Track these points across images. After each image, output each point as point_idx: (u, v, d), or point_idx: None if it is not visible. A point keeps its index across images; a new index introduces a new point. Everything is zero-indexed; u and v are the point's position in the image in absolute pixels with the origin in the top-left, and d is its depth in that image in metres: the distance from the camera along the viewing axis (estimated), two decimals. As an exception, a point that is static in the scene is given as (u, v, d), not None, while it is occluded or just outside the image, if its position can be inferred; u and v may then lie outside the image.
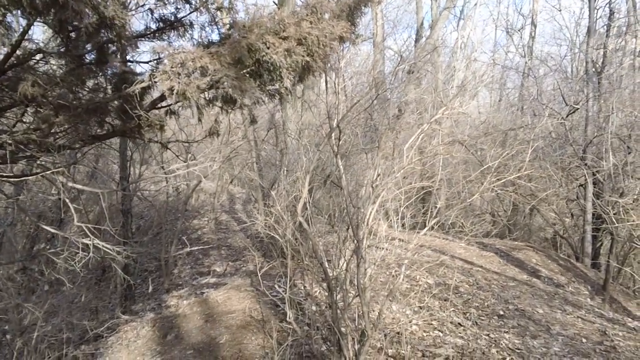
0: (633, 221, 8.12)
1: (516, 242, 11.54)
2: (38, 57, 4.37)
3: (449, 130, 13.98)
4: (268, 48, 3.91)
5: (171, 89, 3.57)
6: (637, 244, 8.69)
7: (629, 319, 7.62)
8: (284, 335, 4.94)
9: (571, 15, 46.79)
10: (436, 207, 5.74)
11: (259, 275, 5.42)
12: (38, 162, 4.49)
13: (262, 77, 4.23)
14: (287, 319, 4.79)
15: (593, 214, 10.84)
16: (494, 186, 5.76)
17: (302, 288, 6.36)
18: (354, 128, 8.09)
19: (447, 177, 11.63)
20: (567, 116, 12.26)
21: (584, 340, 5.82)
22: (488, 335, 5.65)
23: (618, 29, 13.70)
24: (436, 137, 11.08)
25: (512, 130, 14.13)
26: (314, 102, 9.53)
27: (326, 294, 5.14)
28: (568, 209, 13.15)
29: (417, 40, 18.08)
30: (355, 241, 4.62)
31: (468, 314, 6.25)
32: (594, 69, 12.17)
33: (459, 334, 5.63)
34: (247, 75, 4.11)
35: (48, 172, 4.18)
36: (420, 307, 6.19)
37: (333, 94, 5.70)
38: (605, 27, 13.06)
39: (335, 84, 5.45)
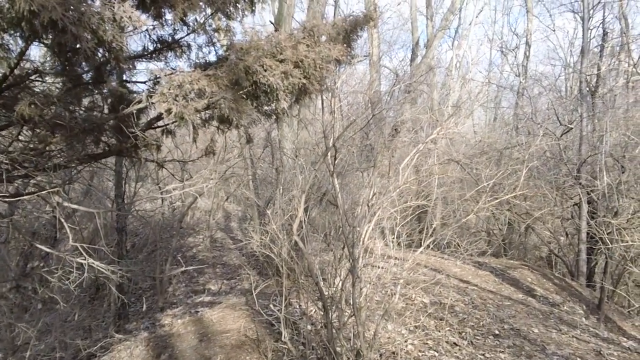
0: (626, 241, 8.14)
1: (511, 261, 11.55)
2: (34, 76, 4.40)
3: (445, 150, 14.08)
4: (265, 71, 3.96)
5: (169, 111, 3.60)
6: (630, 266, 8.72)
7: (624, 339, 7.61)
8: (279, 355, 4.92)
9: (565, 35, 47.31)
10: (432, 226, 5.77)
11: (254, 294, 5.41)
12: (33, 181, 4.50)
13: (259, 98, 4.27)
14: (282, 338, 4.77)
15: (588, 233, 10.86)
16: (489, 205, 5.79)
17: (298, 307, 6.34)
18: (349, 147, 8.13)
19: (442, 196, 11.69)
20: (561, 135, 12.37)
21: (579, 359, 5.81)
22: (484, 355, 5.63)
23: (612, 49, 13.88)
24: (432, 156, 11.18)
25: (507, 149, 14.22)
26: (310, 121, 9.60)
27: (321, 313, 5.13)
28: (563, 228, 13.18)
29: (412, 60, 18.24)
30: (351, 260, 4.63)
31: (464, 333, 6.23)
32: (587, 89, 12.30)
33: (455, 354, 5.61)
34: (244, 96, 4.15)
35: (44, 192, 4.18)
36: (416, 327, 6.17)
37: (329, 113, 5.75)
38: (599, 47, 13.22)
39: (331, 103, 5.51)
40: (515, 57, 22.77)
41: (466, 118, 19.48)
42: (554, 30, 20.13)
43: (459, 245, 11.39)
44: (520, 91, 19.53)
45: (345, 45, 4.73)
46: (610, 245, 8.75)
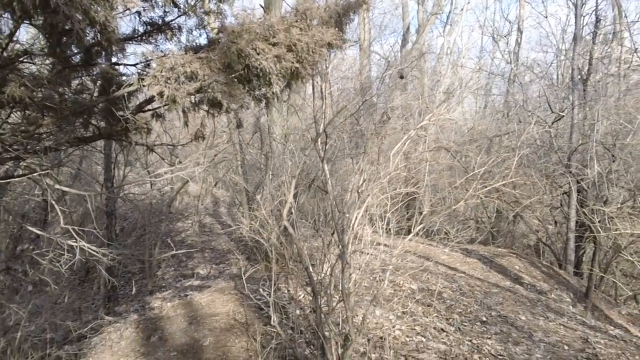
0: (617, 230, 8.23)
1: (499, 249, 11.65)
2: (24, 58, 4.34)
3: (435, 137, 14.08)
4: (258, 54, 3.92)
5: (161, 94, 3.57)
6: (623, 254, 8.81)
7: (611, 327, 7.72)
8: (268, 339, 4.95)
9: (557, 22, 47.28)
10: (421, 213, 5.80)
11: (244, 278, 5.42)
12: (24, 163, 4.46)
13: (251, 82, 4.24)
14: (271, 322, 4.80)
15: (576, 222, 10.96)
16: (479, 193, 5.82)
17: (287, 292, 6.37)
18: (340, 133, 8.12)
19: (432, 183, 11.72)
20: (552, 123, 12.40)
21: (566, 347, 5.89)
22: (471, 341, 5.70)
23: (604, 36, 13.87)
24: (422, 143, 11.19)
25: (497, 137, 14.26)
26: (300, 106, 9.56)
27: (310, 298, 5.16)
28: (552, 216, 13.30)
29: (403, 46, 18.20)
30: (340, 246, 4.65)
31: (451, 319, 6.30)
32: (579, 77, 12.31)
33: (442, 340, 5.67)
34: (236, 80, 4.12)
35: (35, 174, 4.15)
36: (404, 313, 6.23)
37: (319, 98, 5.73)
38: (591, 34, 13.21)
39: (322, 88, 5.49)
40: (507, 43, 22.71)
41: (457, 105, 19.50)
42: (546, 17, 20.04)
43: (447, 232, 11.50)
44: (511, 78, 19.54)
45: (337, 29, 4.71)
46: (601, 234, 8.82)
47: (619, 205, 9.89)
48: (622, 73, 13.92)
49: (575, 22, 12.85)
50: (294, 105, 9.45)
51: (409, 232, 5.02)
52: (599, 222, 9.16)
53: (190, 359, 5.25)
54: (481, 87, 23.49)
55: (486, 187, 5.99)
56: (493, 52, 24.50)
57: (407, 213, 11.10)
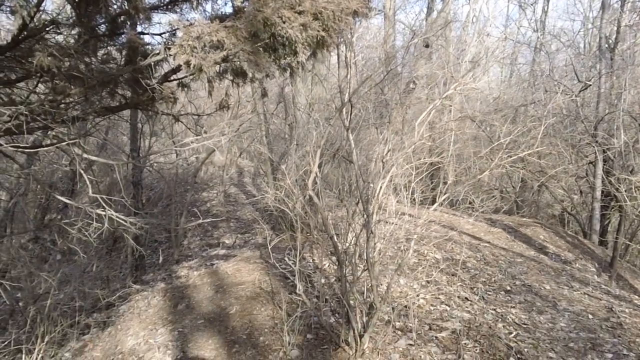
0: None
1: (524, 219, 11.56)
2: (50, 28, 4.36)
3: (460, 106, 13.89)
4: (284, 22, 3.88)
5: (188, 63, 3.57)
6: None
7: (636, 297, 7.66)
8: (293, 307, 5.03)
9: (586, -11, 45.72)
10: (445, 183, 5.76)
11: (269, 247, 5.49)
12: (52, 133, 4.52)
13: (277, 51, 4.20)
14: (297, 291, 4.86)
15: (602, 192, 10.81)
16: (504, 163, 5.76)
17: (311, 261, 6.43)
18: (364, 103, 8.05)
19: (457, 153, 11.61)
20: (579, 93, 12.13)
21: (590, 316, 5.87)
22: (495, 310, 5.71)
23: (632, 4, 13.38)
24: (447, 113, 11.05)
25: (523, 107, 14.00)
26: (325, 76, 9.48)
27: (335, 267, 5.21)
28: (577, 186, 13.11)
29: (428, 14, 17.79)
30: (365, 215, 4.66)
31: (475, 288, 6.31)
32: (607, 45, 11.96)
33: (466, 308, 5.69)
34: (262, 49, 4.09)
35: (63, 143, 4.21)
36: (428, 282, 6.26)
37: (344, 68, 5.67)
38: (619, 1, 12.77)
39: (346, 57, 5.42)
40: (534, 12, 22.21)
41: (482, 74, 19.14)
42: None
43: (472, 202, 11.43)
44: (537, 47, 19.06)
45: (363, -5, 4.62)
46: (627, 203, 8.68)
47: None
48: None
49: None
50: (318, 75, 9.38)
51: (434, 202, 5.00)
52: (625, 191, 9.01)
53: (216, 326, 5.37)
54: (507, 56, 22.97)
55: (511, 157, 5.91)
56: (519, 20, 23.87)
57: (432, 183, 11.05)
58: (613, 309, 6.23)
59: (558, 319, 5.68)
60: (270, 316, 5.34)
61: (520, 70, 22.02)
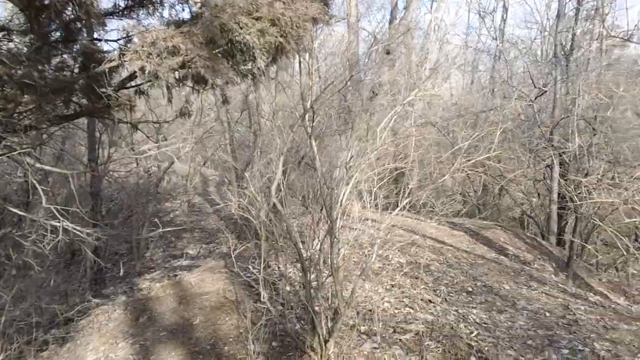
0: (602, 201, 8.34)
1: (485, 222, 11.79)
2: (1, 35, 4.23)
3: (422, 112, 14.10)
4: (241, 28, 3.87)
5: (142, 69, 3.51)
6: (597, 222, 8.95)
7: (591, 294, 7.89)
8: (258, 315, 4.98)
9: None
10: (407, 188, 5.82)
11: (233, 256, 5.43)
12: (4, 143, 4.38)
13: (235, 57, 4.19)
14: (262, 299, 4.82)
15: (559, 194, 11.12)
16: (464, 167, 5.87)
17: (277, 269, 6.39)
18: (327, 109, 8.09)
19: (419, 158, 11.78)
20: (535, 98, 12.48)
21: (547, 314, 6.01)
22: (457, 310, 5.79)
23: (587, 12, 13.87)
24: (409, 118, 11.19)
25: (483, 113, 14.31)
26: (288, 83, 9.49)
27: (300, 274, 5.19)
28: (535, 189, 13.47)
29: (391, 22, 18.02)
30: (329, 222, 4.66)
31: (438, 291, 6.39)
32: (562, 52, 12.36)
33: (429, 310, 5.76)
34: (220, 55, 4.07)
35: (15, 153, 4.08)
36: (392, 285, 6.30)
37: (307, 75, 5.69)
38: (574, 10, 13.23)
39: (308, 65, 5.44)
40: (493, 20, 22.69)
41: (444, 81, 19.48)
42: (530, -7, 20.08)
43: (434, 206, 11.58)
44: (497, 54, 19.57)
45: (322, 3, 4.65)
46: (580, 202, 8.92)
47: (599, 177, 10.03)
48: (603, 48, 13.94)
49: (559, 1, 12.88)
50: (281, 83, 9.38)
51: (397, 206, 5.04)
52: (578, 193, 9.29)
53: (180, 337, 5.28)
54: (468, 63, 23.50)
55: (471, 161, 6.02)
56: (479, 28, 24.48)
57: (395, 188, 11.16)
58: (569, 307, 6.39)
59: (517, 317, 5.80)
60: (235, 325, 5.28)
61: (480, 77, 22.53)
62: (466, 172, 10.84)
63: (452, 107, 16.40)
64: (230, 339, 5.04)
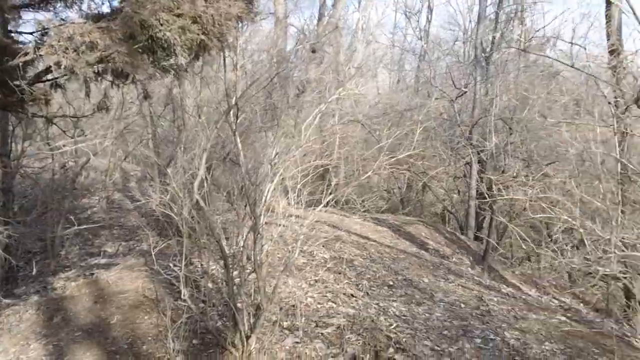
0: (511, 197, 8.84)
1: (408, 217, 12.20)
2: None
3: (349, 110, 14.36)
4: (162, 25, 3.82)
5: (58, 64, 3.40)
6: (500, 218, 9.46)
7: (504, 286, 8.39)
8: (179, 313, 4.93)
9: (465, 1, 49.07)
10: (332, 184, 5.96)
11: (153, 253, 5.34)
12: None
13: (156, 53, 4.13)
14: (182, 296, 4.79)
15: (477, 191, 11.66)
16: (387, 164, 6.08)
17: (199, 266, 6.35)
18: (253, 106, 8.08)
19: (345, 155, 12.01)
20: (456, 98, 13.00)
21: (462, 305, 6.35)
22: (378, 304, 6.00)
23: (507, 15, 14.53)
24: (335, 116, 11.37)
25: (407, 111, 14.73)
26: (213, 78, 9.38)
27: (223, 271, 5.19)
28: (455, 185, 14.07)
29: (319, 19, 18.16)
30: (253, 218, 4.70)
31: (360, 285, 6.57)
32: (482, 54, 12.93)
33: (351, 304, 5.92)
34: (140, 51, 3.99)
35: None
36: (316, 281, 6.43)
37: (232, 71, 5.67)
38: (494, 13, 13.84)
39: (233, 61, 5.43)
40: (418, 21, 23.32)
41: (370, 79, 19.92)
42: (454, -4, 20.84)
43: (358, 202, 11.84)
44: (421, 54, 20.20)
45: (246, 1, 4.66)
46: (493, 199, 9.38)
47: (514, 174, 10.64)
48: (521, 52, 14.66)
49: (480, 2, 13.46)
50: (206, 78, 9.26)
51: (322, 203, 5.17)
52: (498, 191, 9.80)
53: (96, 337, 5.15)
54: (394, 62, 24.11)
55: (393, 158, 6.24)
56: (406, 28, 25.09)
57: (321, 184, 11.32)
58: (483, 298, 6.78)
59: (434, 309, 6.08)
60: (155, 324, 5.21)
61: (406, 76, 23.15)
62: (389, 169, 11.17)
63: (379, 106, 16.77)
64: (149, 338, 4.98)
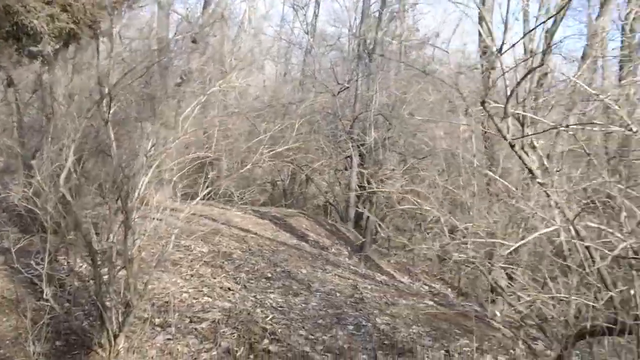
0: (382, 190, 9.30)
1: (290, 210, 12.41)
2: None
3: (234, 102, 14.27)
4: (28, 12, 3.60)
5: None
6: (367, 212, 9.95)
7: (379, 274, 8.87)
8: (41, 314, 4.66)
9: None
10: (210, 176, 5.94)
11: (13, 251, 4.99)
12: None
13: (21, 40, 3.89)
14: (45, 296, 4.54)
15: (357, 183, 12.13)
16: (268, 157, 6.17)
17: (66, 264, 6.02)
18: (129, 96, 7.77)
19: (228, 147, 11.93)
20: (337, 93, 13.39)
21: (338, 294, 6.65)
22: (255, 296, 6.10)
23: (390, 14, 15.13)
24: (217, 108, 11.25)
25: (292, 104, 14.89)
26: (86, 65, 8.87)
27: (90, 268, 5.00)
28: (337, 178, 14.51)
29: (204, 7, 17.75)
30: (124, 212, 4.58)
31: (238, 278, 6.63)
32: (365, 51, 13.41)
33: (228, 298, 5.97)
34: (4, 37, 3.74)
35: None
36: (192, 275, 6.37)
37: (106, 58, 5.45)
38: (378, 12, 14.36)
39: (108, 49, 5.23)
40: (305, 15, 23.50)
41: (256, 72, 19.84)
42: (340, -8, 21.20)
43: (236, 195, 11.85)
44: (308, 49, 20.47)
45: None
46: (374, 191, 9.79)
47: (392, 168, 11.22)
48: (402, 49, 15.33)
49: (364, 0, 13.97)
50: (79, 64, 8.72)
51: (204, 196, 5.15)
52: (376, 183, 10.26)
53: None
54: (281, 55, 24.17)
55: (272, 151, 6.34)
56: (293, 21, 25.18)
57: (201, 177, 11.14)
58: (357, 287, 7.15)
59: (310, 299, 6.32)
60: (14, 326, 4.88)
61: (292, 69, 23.33)
62: (272, 162, 11.26)
63: (263, 98, 16.80)
64: (7, 342, 4.65)
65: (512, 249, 3.66)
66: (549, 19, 3.40)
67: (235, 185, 12.66)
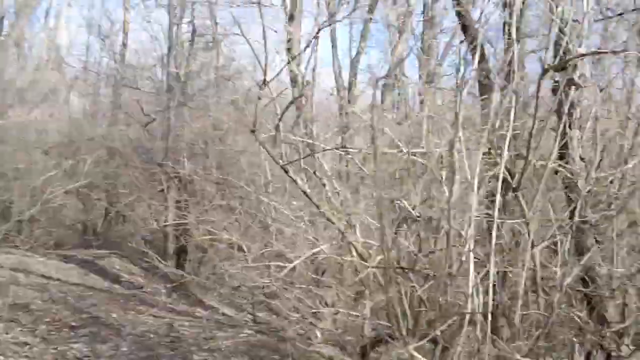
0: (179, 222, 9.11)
1: (102, 251, 11.57)
2: None
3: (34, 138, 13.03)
4: None
5: None
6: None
7: (200, 309, 8.66)
8: None
9: (161, 28, 49.16)
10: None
11: None
12: None
13: None
14: None
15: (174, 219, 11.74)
16: (52, 196, 5.77)
17: None
18: None
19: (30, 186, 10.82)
20: (146, 125, 12.99)
21: (152, 335, 6.37)
22: (56, 348, 5.58)
23: (205, 44, 15.07)
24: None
25: (90, 140, 13.99)
26: None
27: None
28: (150, 213, 13.84)
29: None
30: None
31: (37, 330, 6.01)
32: (177, 82, 13.19)
33: (24, 354, 5.36)
34: None
35: None
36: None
37: None
38: (189, 42, 14.24)
39: None
40: (113, 44, 22.40)
41: (62, 104, 18.36)
42: (149, 22, 20.45)
43: (44, 240, 10.80)
44: (118, 80, 19.50)
45: None
46: (188, 225, 9.59)
47: (210, 199, 11.09)
48: (217, 81, 15.30)
49: (169, 30, 13.82)
50: None
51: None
52: (196, 215, 10.03)
53: None
54: (89, 86, 22.63)
55: (65, 189, 5.94)
56: (100, 51, 23.74)
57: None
58: (174, 325, 6.92)
59: (121, 344, 5.96)
60: None
61: (100, 101, 22.01)
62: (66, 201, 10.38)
63: (74, 132, 15.54)
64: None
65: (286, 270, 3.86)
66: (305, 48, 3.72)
67: (42, 229, 11.52)
